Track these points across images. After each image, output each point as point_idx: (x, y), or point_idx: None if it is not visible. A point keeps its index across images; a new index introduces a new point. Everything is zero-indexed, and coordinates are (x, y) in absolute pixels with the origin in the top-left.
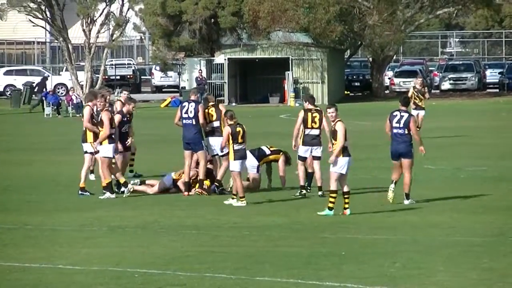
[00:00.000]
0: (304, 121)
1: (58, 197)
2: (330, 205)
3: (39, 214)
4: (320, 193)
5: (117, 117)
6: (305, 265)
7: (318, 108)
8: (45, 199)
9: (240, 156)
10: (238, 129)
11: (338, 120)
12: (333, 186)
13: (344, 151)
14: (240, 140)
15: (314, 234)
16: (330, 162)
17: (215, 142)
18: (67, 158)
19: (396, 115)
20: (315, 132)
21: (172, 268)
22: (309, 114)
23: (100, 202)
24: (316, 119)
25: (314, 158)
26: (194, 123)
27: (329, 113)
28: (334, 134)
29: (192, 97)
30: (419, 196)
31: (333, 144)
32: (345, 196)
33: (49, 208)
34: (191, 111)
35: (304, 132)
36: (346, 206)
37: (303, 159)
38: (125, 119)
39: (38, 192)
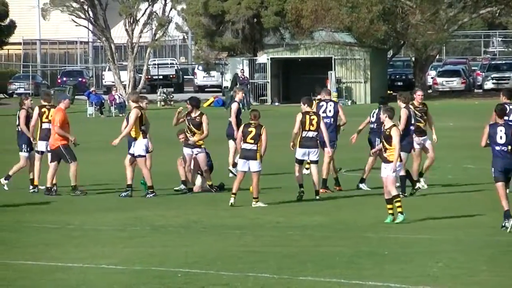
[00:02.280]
0: (302, 124)
1: (99, 197)
2: (399, 209)
3: (81, 214)
4: (317, 197)
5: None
6: (347, 264)
7: (315, 111)
8: (87, 199)
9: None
10: (250, 129)
11: (393, 125)
12: (394, 191)
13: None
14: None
15: (356, 233)
16: (392, 172)
17: None
18: (108, 158)
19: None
20: (312, 134)
21: (215, 267)
22: (307, 116)
23: (142, 202)
24: (314, 122)
25: (312, 162)
26: (332, 122)
27: (381, 119)
28: (388, 139)
29: (327, 96)
30: (458, 196)
31: (385, 149)
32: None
33: (91, 207)
34: (330, 110)
35: (302, 134)
36: (391, 211)
37: (300, 162)
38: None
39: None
